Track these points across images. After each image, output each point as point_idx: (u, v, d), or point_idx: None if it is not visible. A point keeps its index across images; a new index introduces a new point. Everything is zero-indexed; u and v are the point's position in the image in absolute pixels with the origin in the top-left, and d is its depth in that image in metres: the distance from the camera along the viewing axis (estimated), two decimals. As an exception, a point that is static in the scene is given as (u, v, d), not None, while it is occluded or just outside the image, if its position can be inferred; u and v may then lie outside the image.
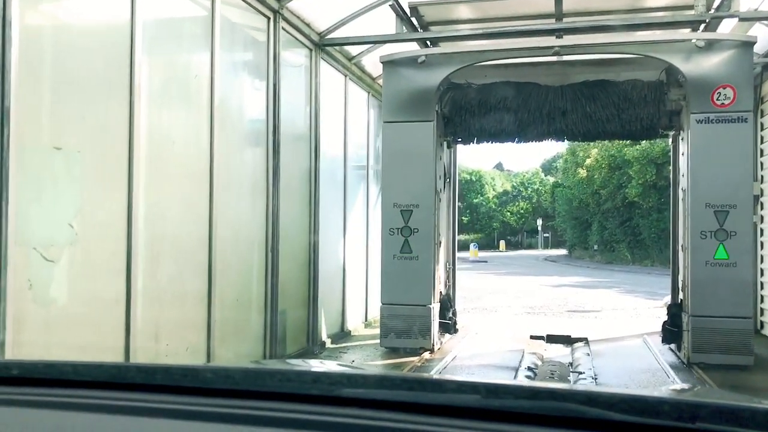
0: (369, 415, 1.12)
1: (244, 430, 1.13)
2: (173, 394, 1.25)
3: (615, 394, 1.12)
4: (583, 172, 41.14)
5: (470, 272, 29.65)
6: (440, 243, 8.97)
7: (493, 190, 70.06)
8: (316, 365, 2.74)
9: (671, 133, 8.75)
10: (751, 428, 1.03)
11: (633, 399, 1.11)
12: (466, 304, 15.74)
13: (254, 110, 6.97)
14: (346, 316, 9.60)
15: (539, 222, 62.62)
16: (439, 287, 8.87)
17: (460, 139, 9.07)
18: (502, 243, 63.58)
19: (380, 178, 8.96)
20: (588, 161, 40.24)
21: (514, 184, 71.32)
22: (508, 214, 68.56)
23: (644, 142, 34.86)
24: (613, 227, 38.18)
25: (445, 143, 9.11)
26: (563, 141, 8.47)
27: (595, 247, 40.88)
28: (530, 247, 65.80)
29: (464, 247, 47.83)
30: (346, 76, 9.52)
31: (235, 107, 6.56)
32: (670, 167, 9.82)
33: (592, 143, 40.24)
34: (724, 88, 7.45)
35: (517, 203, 68.88)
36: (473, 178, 69.21)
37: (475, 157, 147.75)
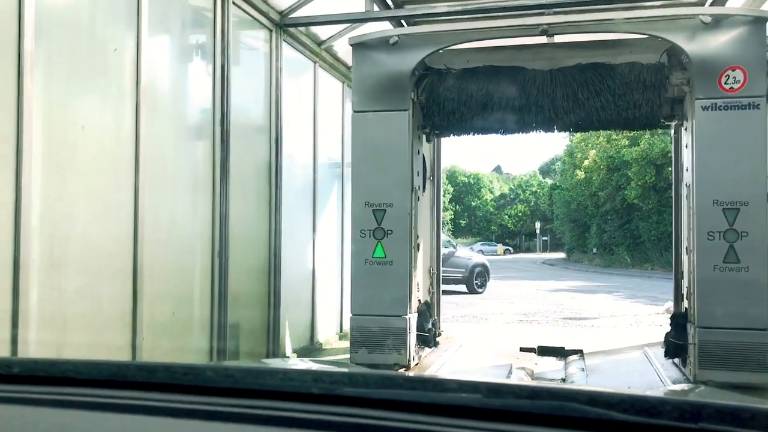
0: (370, 415, 1.12)
1: (245, 429, 1.13)
2: (174, 392, 1.25)
3: (617, 394, 1.12)
4: (581, 174, 40.46)
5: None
6: (419, 246, 8.09)
7: (491, 192, 69.58)
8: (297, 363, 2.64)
9: (673, 123, 7.88)
10: (753, 429, 1.03)
11: (635, 399, 1.11)
12: (456, 311, 14.87)
13: (196, 95, 6.11)
14: (316, 328, 8.72)
15: (537, 225, 62.09)
16: (417, 295, 7.99)
17: (438, 132, 8.19)
18: (500, 246, 62.96)
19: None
20: (586, 163, 39.60)
21: (512, 186, 70.78)
22: (506, 217, 68.09)
23: (643, 143, 34.17)
24: (612, 230, 37.60)
25: (423, 136, 8.23)
26: (553, 131, 7.60)
27: (594, 250, 40.21)
28: (528, 250, 65.14)
29: (460, 250, 47.06)
30: (315, 62, 8.66)
31: (170, 90, 5.70)
32: (671, 161, 8.94)
33: (590, 145, 39.63)
34: (733, 71, 6.59)
35: (515, 206, 68.46)
36: (471, 181, 68.69)
37: (473, 160, 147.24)
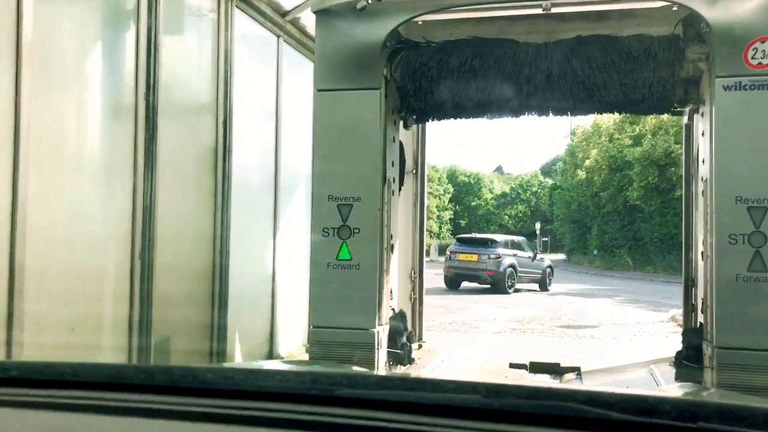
0: (369, 416, 1.12)
1: (244, 431, 1.13)
2: (172, 394, 1.25)
3: (615, 393, 1.13)
4: (582, 174, 39.46)
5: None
6: (392, 247, 7.02)
7: (491, 192, 68.66)
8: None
9: (687, 108, 6.80)
10: (751, 428, 1.03)
11: (633, 399, 1.11)
12: (445, 317, 13.80)
13: (111, 61, 5.04)
14: (276, 338, 7.64)
15: (537, 226, 61.18)
16: (390, 304, 6.94)
17: (416, 116, 7.10)
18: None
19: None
20: (587, 162, 38.67)
21: (513, 186, 69.88)
22: (506, 217, 67.24)
23: (646, 143, 33.06)
24: (614, 231, 36.74)
25: (400, 121, 7.17)
26: (548, 115, 6.51)
27: (595, 252, 39.30)
28: (528, 251, 64.00)
29: (458, 251, 46.20)
30: (279, 37, 7.59)
31: (70, 51, 4.63)
32: (683, 153, 7.83)
33: (591, 144, 38.50)
34: (763, 42, 5.54)
35: (515, 206, 67.57)
36: (471, 181, 67.76)
37: (475, 160, 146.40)
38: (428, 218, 54.18)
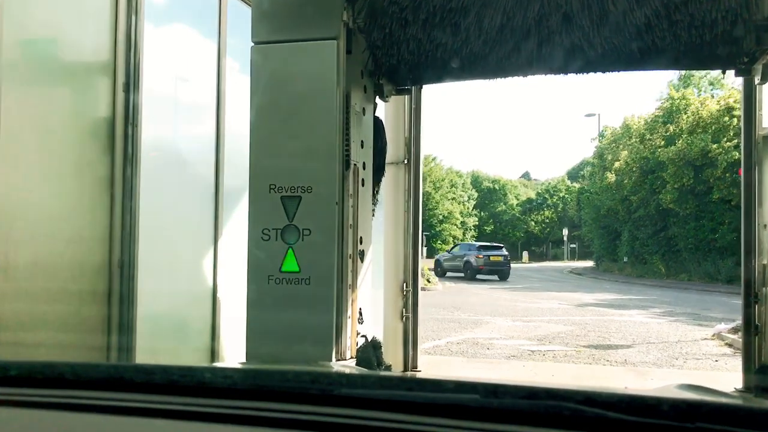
0: (368, 416, 1.12)
1: (243, 430, 1.13)
2: (172, 394, 1.25)
3: (614, 393, 1.11)
4: (611, 177, 37.46)
5: (479, 288, 25.96)
6: (362, 254, 5.32)
7: (517, 198, 67.00)
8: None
9: (758, 65, 4.98)
10: (749, 428, 1.03)
11: (631, 398, 1.10)
12: (455, 334, 12.02)
13: None
14: (217, 372, 5.97)
15: (565, 231, 59.32)
16: (357, 330, 5.22)
17: (393, 78, 5.36)
18: (525, 254, 60.34)
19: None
20: (617, 165, 36.72)
21: (539, 191, 68.09)
22: (532, 223, 65.53)
23: (681, 142, 30.83)
24: (645, 237, 34.71)
25: (373, 88, 5.46)
26: (566, 72, 4.72)
27: (625, 259, 37.42)
28: (555, 258, 62.31)
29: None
30: (222, -16, 5.95)
31: None
32: (741, 125, 5.98)
33: (621, 146, 36.35)
34: None
35: (541, 212, 65.84)
36: (496, 187, 66.14)
37: (499, 166, 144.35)
38: (451, 224, 52.61)
